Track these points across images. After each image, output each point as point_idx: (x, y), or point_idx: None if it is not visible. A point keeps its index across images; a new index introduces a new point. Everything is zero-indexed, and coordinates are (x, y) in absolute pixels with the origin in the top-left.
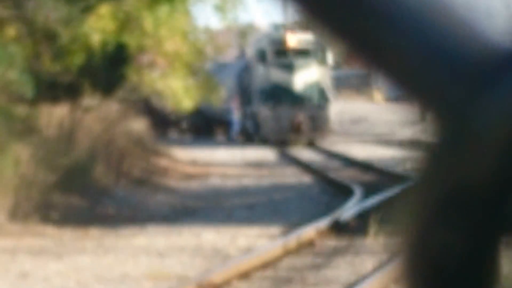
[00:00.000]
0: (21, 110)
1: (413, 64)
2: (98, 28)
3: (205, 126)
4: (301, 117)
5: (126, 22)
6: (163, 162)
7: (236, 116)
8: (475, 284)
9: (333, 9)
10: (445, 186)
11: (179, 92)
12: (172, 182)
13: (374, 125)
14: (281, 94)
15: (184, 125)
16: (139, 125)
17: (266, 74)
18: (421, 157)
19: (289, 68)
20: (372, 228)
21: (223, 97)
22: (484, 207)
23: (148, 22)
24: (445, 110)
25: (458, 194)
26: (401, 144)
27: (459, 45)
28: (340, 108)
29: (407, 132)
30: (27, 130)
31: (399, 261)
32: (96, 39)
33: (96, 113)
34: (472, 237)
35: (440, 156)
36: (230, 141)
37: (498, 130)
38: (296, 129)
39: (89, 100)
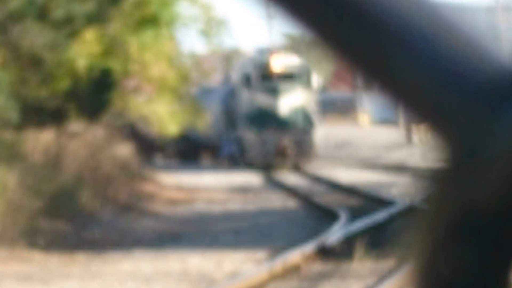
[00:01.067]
0: (7, 135)
1: (422, 86)
2: (83, 53)
3: (190, 151)
4: (286, 141)
5: (111, 47)
6: (149, 187)
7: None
8: None
9: (346, 32)
10: (456, 209)
11: (164, 117)
12: (158, 207)
13: (359, 149)
14: (266, 119)
15: (170, 150)
16: (125, 150)
17: (251, 99)
18: (431, 179)
19: (274, 92)
20: (358, 252)
21: (209, 122)
22: (496, 230)
23: (133, 46)
24: (455, 132)
25: (469, 217)
26: (386, 168)
27: (468, 67)
28: (325, 132)
29: (392, 156)
30: (13, 155)
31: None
32: (81, 64)
33: (82, 138)
34: (484, 260)
35: (450, 178)
36: (219, 163)
37: (508, 152)
38: (281, 153)
39: (75, 125)
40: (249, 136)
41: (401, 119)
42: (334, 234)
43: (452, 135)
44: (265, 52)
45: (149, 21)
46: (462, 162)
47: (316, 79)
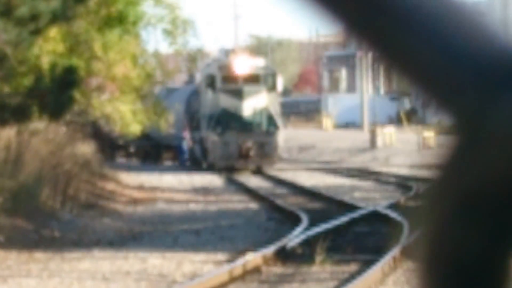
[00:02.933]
0: None
1: (433, 68)
2: (47, 50)
3: (152, 150)
4: (249, 143)
5: (75, 45)
6: (110, 186)
7: (186, 142)
8: (490, 283)
9: (367, 17)
10: (463, 187)
11: (127, 116)
12: (119, 206)
13: (322, 152)
14: (229, 120)
15: (132, 149)
16: (86, 148)
17: (215, 100)
18: (441, 158)
19: (238, 94)
20: (319, 256)
21: (171, 122)
22: (501, 207)
23: (97, 45)
24: (463, 113)
25: (476, 195)
26: (349, 172)
27: (478, 51)
28: (289, 135)
29: (356, 160)
30: None
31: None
32: (45, 61)
33: (44, 136)
34: (489, 237)
35: (459, 156)
36: (180, 167)
37: None
38: (244, 155)
39: (37, 122)
40: (212, 137)
41: (365, 123)
42: (296, 237)
43: (462, 115)
44: (229, 53)
45: (114, 20)
46: (471, 140)
47: (281, 82)
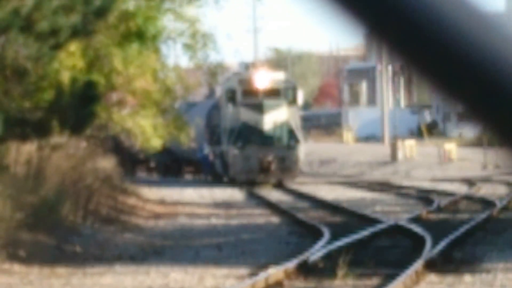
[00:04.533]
0: None
1: (470, 77)
2: (67, 65)
3: (173, 165)
4: (270, 157)
5: (95, 60)
6: (131, 200)
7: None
8: None
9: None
10: None
11: (148, 131)
12: (140, 221)
13: (343, 166)
14: (250, 134)
15: (152, 163)
16: (107, 163)
17: (235, 114)
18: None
19: (259, 108)
20: (341, 270)
21: (192, 136)
22: None
23: (117, 59)
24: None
25: None
26: (370, 185)
27: None
28: (310, 149)
29: (376, 174)
30: None
31: None
32: (65, 76)
33: (65, 151)
34: None
35: None
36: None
37: None
38: (265, 169)
39: (58, 137)
40: (233, 151)
41: (386, 136)
42: (317, 251)
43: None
44: (250, 67)
45: (134, 35)
46: None
47: (301, 95)
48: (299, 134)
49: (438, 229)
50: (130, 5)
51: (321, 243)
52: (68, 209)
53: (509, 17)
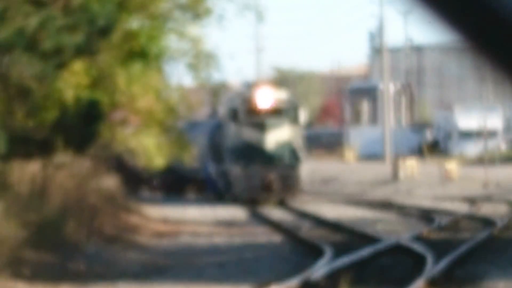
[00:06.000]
0: None
1: None
2: (71, 84)
3: (176, 184)
4: (272, 176)
5: (99, 79)
6: (134, 219)
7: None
8: None
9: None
10: None
11: (151, 150)
12: (143, 239)
13: (344, 185)
14: (252, 153)
15: (156, 182)
16: (110, 182)
17: (237, 133)
18: None
19: (261, 127)
20: None
21: (195, 155)
22: None
23: (121, 79)
24: None
25: None
26: (372, 204)
27: None
28: (311, 168)
29: (378, 192)
30: None
31: None
32: (69, 95)
33: (68, 169)
34: None
35: None
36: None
37: None
38: (267, 188)
39: (62, 156)
40: (235, 170)
41: (387, 155)
42: (319, 270)
43: None
44: (252, 86)
45: (137, 54)
46: None
47: (304, 114)
48: (301, 153)
49: (439, 248)
50: (134, 25)
51: (323, 261)
52: (71, 228)
53: None
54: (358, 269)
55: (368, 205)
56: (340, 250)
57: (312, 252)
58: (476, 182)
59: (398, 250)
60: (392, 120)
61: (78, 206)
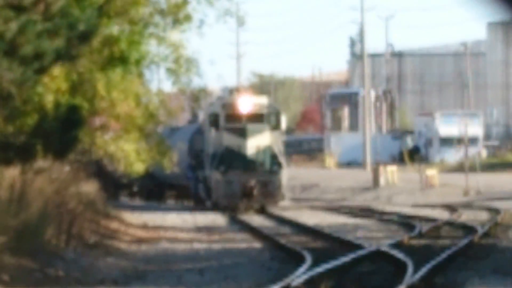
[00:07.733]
0: None
1: None
2: (51, 89)
3: (156, 189)
4: (253, 182)
5: (79, 84)
6: (114, 225)
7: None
8: None
9: None
10: None
11: (131, 155)
12: (123, 245)
13: (325, 191)
14: (233, 159)
15: (135, 188)
16: (90, 187)
17: (218, 138)
18: None
19: (242, 132)
20: None
21: (175, 161)
22: None
23: (101, 84)
24: None
25: None
26: (351, 211)
27: None
28: (292, 174)
29: (358, 199)
30: None
31: None
32: (49, 100)
33: (48, 175)
34: None
35: None
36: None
37: None
38: (247, 194)
39: (41, 162)
40: (216, 176)
41: (368, 161)
42: (299, 277)
43: None
44: (233, 92)
45: (117, 59)
46: None
47: (285, 120)
48: (282, 159)
49: (419, 255)
50: (114, 30)
51: (303, 268)
52: (51, 233)
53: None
54: (338, 276)
55: (348, 211)
56: (320, 257)
57: (293, 259)
58: (456, 189)
59: (379, 257)
60: (372, 126)
61: (58, 211)
